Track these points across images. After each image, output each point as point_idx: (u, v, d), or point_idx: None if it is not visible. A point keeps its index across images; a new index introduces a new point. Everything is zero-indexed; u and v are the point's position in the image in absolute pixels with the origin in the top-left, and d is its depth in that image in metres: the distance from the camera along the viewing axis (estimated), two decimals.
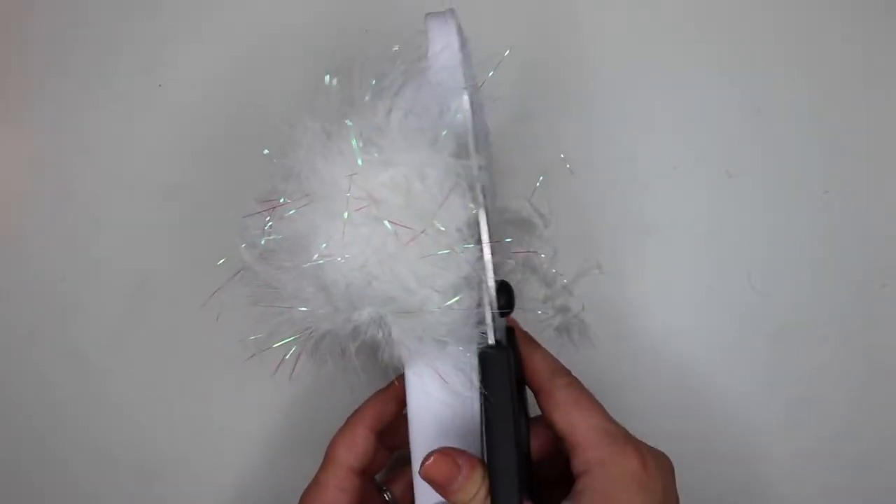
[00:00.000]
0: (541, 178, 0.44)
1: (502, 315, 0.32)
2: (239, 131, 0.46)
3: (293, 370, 0.32)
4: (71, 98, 0.48)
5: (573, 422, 0.31)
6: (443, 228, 0.30)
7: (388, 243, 0.30)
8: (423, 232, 0.30)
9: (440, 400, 0.32)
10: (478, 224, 0.31)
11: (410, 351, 0.31)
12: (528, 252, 0.42)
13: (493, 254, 0.31)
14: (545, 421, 0.33)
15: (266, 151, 0.33)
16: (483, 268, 0.31)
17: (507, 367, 0.31)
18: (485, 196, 0.32)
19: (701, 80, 0.47)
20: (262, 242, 0.31)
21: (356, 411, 0.36)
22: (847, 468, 0.43)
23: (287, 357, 0.32)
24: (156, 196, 0.47)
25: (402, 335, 0.31)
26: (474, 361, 0.32)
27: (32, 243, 0.47)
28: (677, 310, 0.45)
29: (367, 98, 0.31)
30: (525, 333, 0.37)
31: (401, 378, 0.33)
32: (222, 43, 0.48)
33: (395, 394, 0.37)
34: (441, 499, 0.32)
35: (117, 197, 0.47)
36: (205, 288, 0.43)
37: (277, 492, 0.42)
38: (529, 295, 0.44)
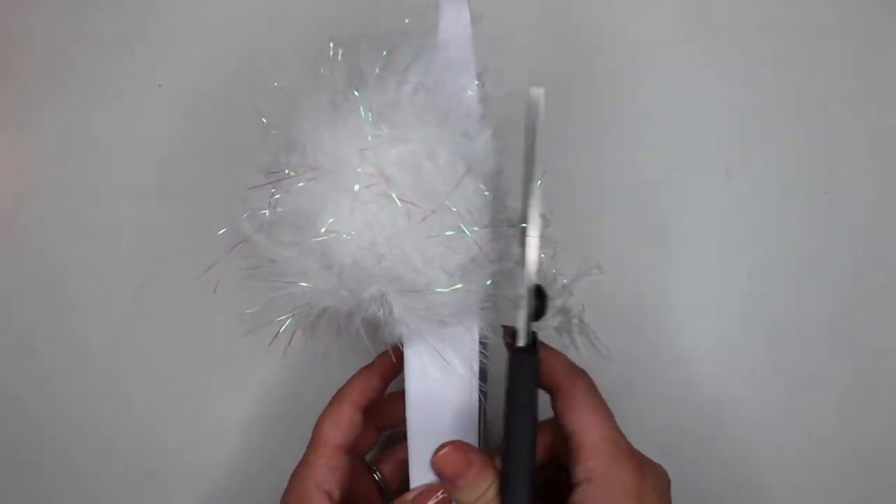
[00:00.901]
0: (540, 178, 0.44)
1: (536, 319, 0.32)
2: (240, 131, 0.46)
3: (288, 345, 0.32)
4: (71, 98, 0.48)
5: (585, 426, 0.32)
6: (454, 209, 0.30)
7: (397, 222, 0.29)
8: (434, 212, 0.29)
9: (439, 380, 0.32)
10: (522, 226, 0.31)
11: (411, 330, 0.31)
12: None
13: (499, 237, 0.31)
14: (555, 421, 0.33)
15: (265, 121, 0.32)
16: (522, 270, 0.31)
17: (536, 371, 0.31)
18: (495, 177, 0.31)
19: (701, 80, 0.47)
20: (266, 214, 0.30)
21: (341, 389, 0.36)
22: (846, 467, 0.44)
23: (281, 331, 0.31)
24: (156, 196, 0.47)
25: (404, 314, 0.30)
26: (475, 343, 0.32)
27: (32, 243, 0.47)
28: (677, 309, 0.45)
29: (377, 71, 0.30)
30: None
31: (390, 352, 0.33)
32: (222, 41, 0.48)
33: (379, 370, 0.36)
34: (433, 480, 0.33)
35: (117, 197, 0.47)
36: (204, 286, 0.43)
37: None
38: None
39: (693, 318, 0.45)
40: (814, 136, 0.46)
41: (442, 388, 0.32)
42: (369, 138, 0.29)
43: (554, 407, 0.33)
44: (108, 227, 0.47)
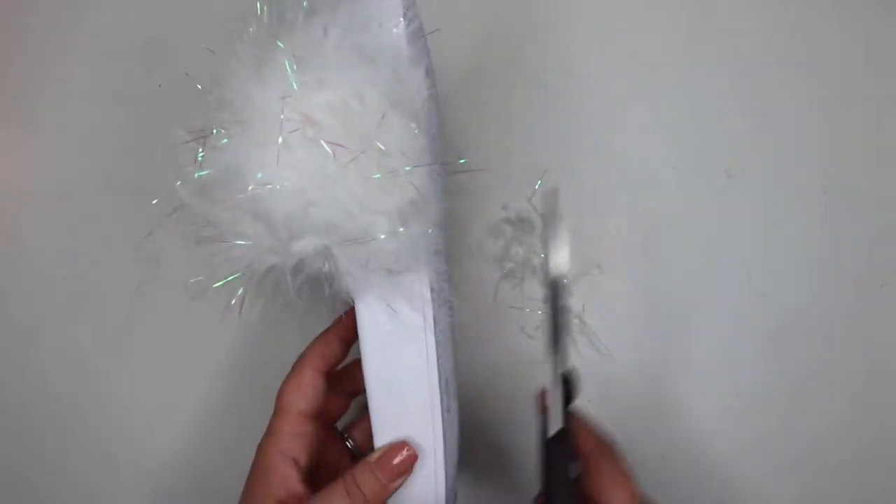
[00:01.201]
0: (541, 178, 0.44)
1: (567, 405, 0.32)
2: None
3: (241, 310, 0.31)
4: (71, 98, 0.48)
5: (610, 496, 0.32)
6: (383, 148, 0.29)
7: (326, 166, 0.28)
8: (362, 152, 0.28)
9: (391, 332, 0.31)
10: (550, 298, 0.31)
11: (357, 282, 0.30)
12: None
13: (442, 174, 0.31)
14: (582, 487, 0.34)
15: (200, 87, 0.32)
16: (552, 361, 0.32)
17: (569, 456, 0.32)
18: (427, 118, 0.31)
19: (701, 80, 0.47)
20: (196, 176, 0.29)
21: (301, 355, 0.36)
22: (846, 467, 0.44)
23: (234, 302, 0.30)
24: (155, 196, 0.47)
25: (349, 266, 0.29)
26: (426, 291, 0.31)
27: (32, 243, 0.47)
28: (677, 309, 0.45)
29: (300, 17, 0.30)
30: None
31: (348, 313, 0.33)
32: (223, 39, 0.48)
33: (338, 333, 0.36)
34: (399, 437, 0.32)
35: (117, 197, 0.47)
36: (204, 286, 0.43)
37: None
38: (529, 295, 0.44)
39: (693, 319, 0.45)
40: (813, 136, 0.46)
41: (395, 340, 0.31)
42: (295, 86, 0.28)
43: (583, 475, 0.34)
44: (108, 227, 0.47)
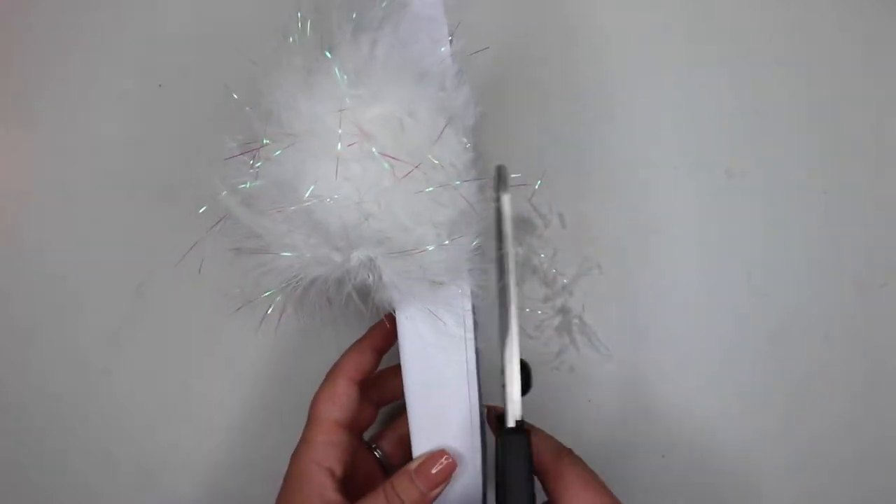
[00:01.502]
0: (540, 178, 0.44)
1: (523, 394, 0.32)
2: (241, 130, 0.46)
3: (279, 323, 0.31)
4: (71, 98, 0.48)
5: (582, 500, 0.32)
6: (437, 162, 0.29)
7: (382, 179, 0.29)
8: (418, 166, 0.29)
9: (433, 343, 0.32)
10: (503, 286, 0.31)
11: (402, 293, 0.30)
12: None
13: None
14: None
15: (236, 96, 0.32)
16: (506, 352, 0.31)
17: (528, 449, 0.31)
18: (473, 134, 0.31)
19: (701, 80, 0.47)
20: (246, 187, 0.30)
21: (334, 365, 0.36)
22: (846, 467, 0.44)
23: (270, 308, 0.31)
24: (155, 196, 0.47)
25: (394, 277, 0.30)
26: (467, 303, 0.32)
27: (32, 243, 0.47)
28: (677, 310, 0.45)
29: (348, 34, 0.30)
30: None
31: (385, 321, 0.33)
32: (223, 40, 0.48)
33: (371, 343, 0.36)
34: (438, 445, 0.32)
35: (117, 197, 0.47)
36: (204, 286, 0.43)
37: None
38: (529, 295, 0.44)
39: (693, 319, 0.45)
40: (813, 137, 0.46)
41: (437, 351, 0.32)
42: (347, 100, 0.29)
43: (546, 490, 0.33)
44: (108, 227, 0.47)
